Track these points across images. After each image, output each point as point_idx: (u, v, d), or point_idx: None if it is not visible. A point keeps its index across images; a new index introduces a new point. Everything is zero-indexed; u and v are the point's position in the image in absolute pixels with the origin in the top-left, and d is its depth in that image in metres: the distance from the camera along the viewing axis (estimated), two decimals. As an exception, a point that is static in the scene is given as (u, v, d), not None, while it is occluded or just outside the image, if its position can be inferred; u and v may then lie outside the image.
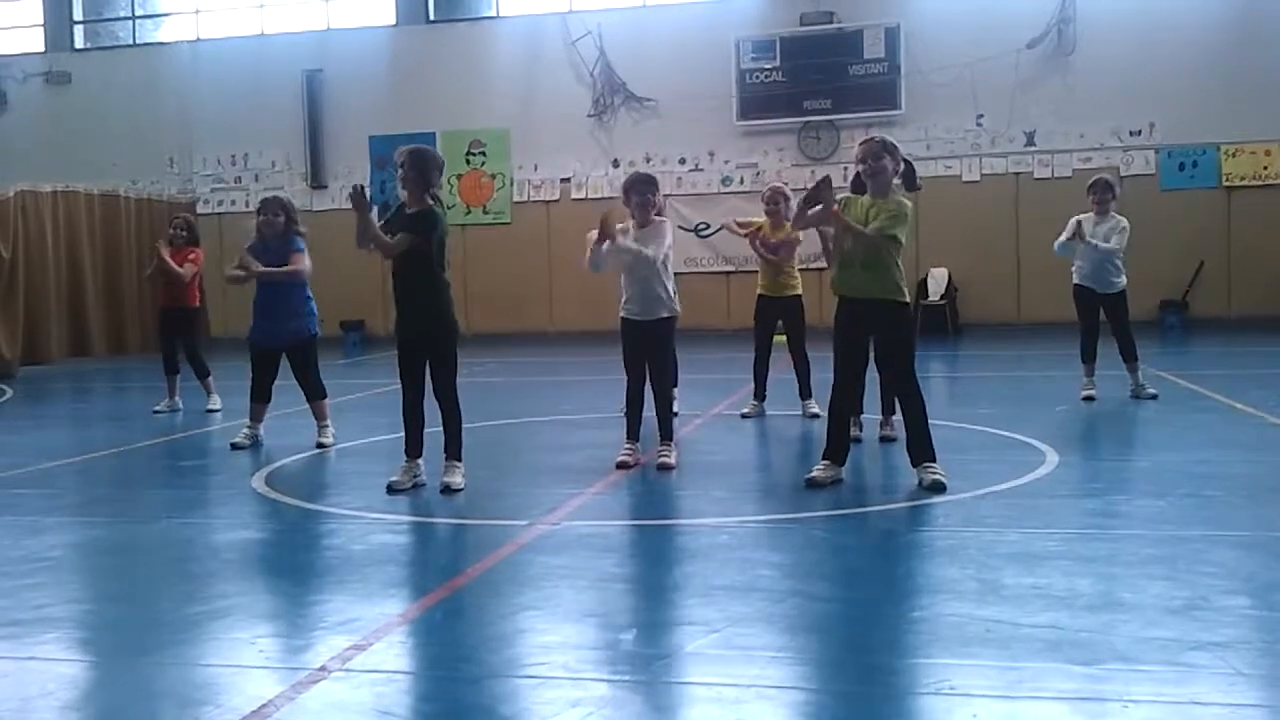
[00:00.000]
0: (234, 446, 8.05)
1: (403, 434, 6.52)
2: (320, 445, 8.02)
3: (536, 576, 4.67)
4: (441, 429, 6.46)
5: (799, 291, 8.87)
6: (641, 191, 6.87)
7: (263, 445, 8.13)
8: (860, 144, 6.19)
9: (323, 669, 3.58)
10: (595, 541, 5.29)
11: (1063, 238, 9.20)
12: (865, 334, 6.16)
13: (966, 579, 4.39)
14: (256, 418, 8.22)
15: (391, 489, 6.31)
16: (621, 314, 7.04)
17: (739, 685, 3.38)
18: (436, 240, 6.33)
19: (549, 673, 3.52)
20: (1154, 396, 9.15)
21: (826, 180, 6.01)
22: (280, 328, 8.10)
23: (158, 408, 10.43)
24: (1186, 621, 3.79)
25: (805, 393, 8.79)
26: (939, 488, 5.87)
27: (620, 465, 6.84)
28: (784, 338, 8.90)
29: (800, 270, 9.05)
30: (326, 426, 8.15)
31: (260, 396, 8.22)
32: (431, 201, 6.36)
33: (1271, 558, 4.64)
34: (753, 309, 9.01)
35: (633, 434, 7.04)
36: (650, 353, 7.00)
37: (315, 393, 8.17)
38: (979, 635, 3.73)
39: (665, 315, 6.98)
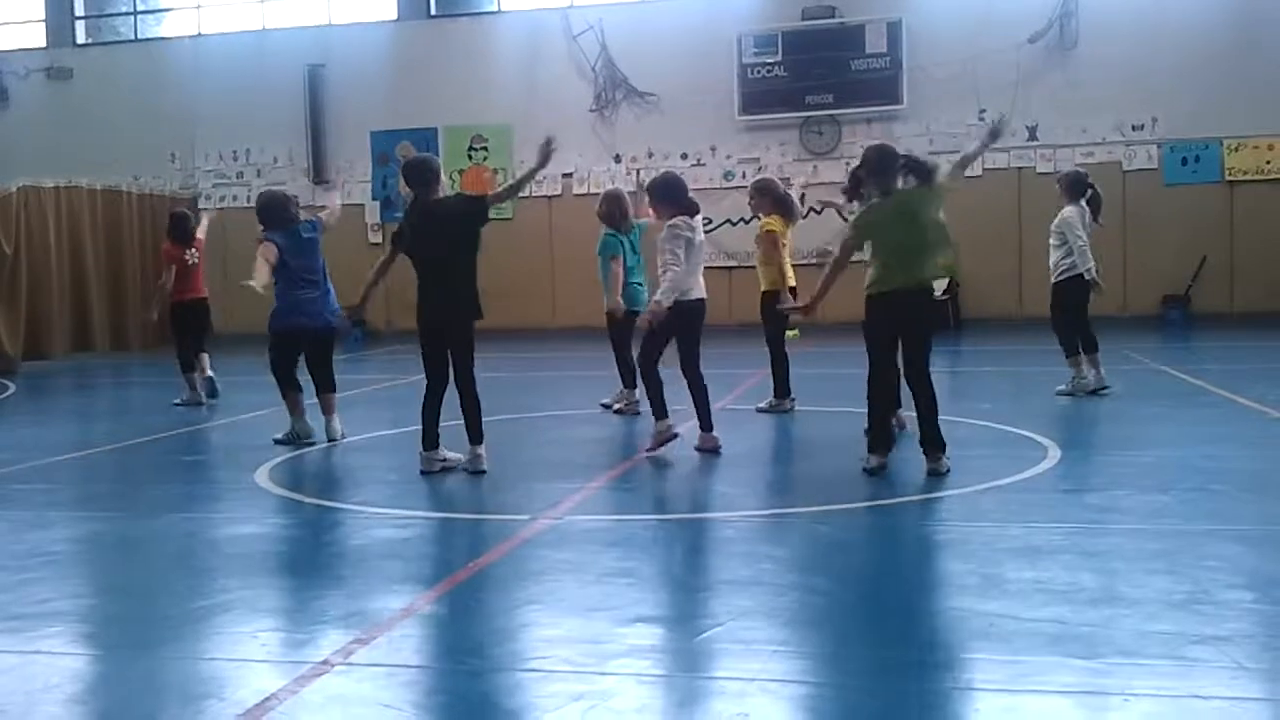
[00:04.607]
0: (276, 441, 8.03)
1: (414, 428, 6.57)
2: (279, 439, 8.00)
3: (539, 571, 4.68)
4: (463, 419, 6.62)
5: (764, 287, 8.71)
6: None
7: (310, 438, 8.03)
8: None
9: (325, 663, 3.58)
10: (598, 536, 5.30)
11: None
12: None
13: (969, 573, 4.39)
14: (293, 410, 8.13)
15: (471, 468, 6.56)
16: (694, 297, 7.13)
17: (742, 678, 3.39)
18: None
19: (552, 666, 3.52)
20: (1061, 393, 9.23)
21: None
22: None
23: (179, 400, 10.46)
24: (1188, 616, 3.80)
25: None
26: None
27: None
28: (793, 332, 8.89)
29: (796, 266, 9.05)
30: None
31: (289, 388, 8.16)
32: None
33: (1273, 552, 4.65)
34: (755, 304, 9.01)
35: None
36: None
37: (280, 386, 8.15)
38: (981, 629, 3.73)
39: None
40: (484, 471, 6.56)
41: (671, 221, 7.02)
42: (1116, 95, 17.36)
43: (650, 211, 7.69)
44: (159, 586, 4.70)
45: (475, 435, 6.66)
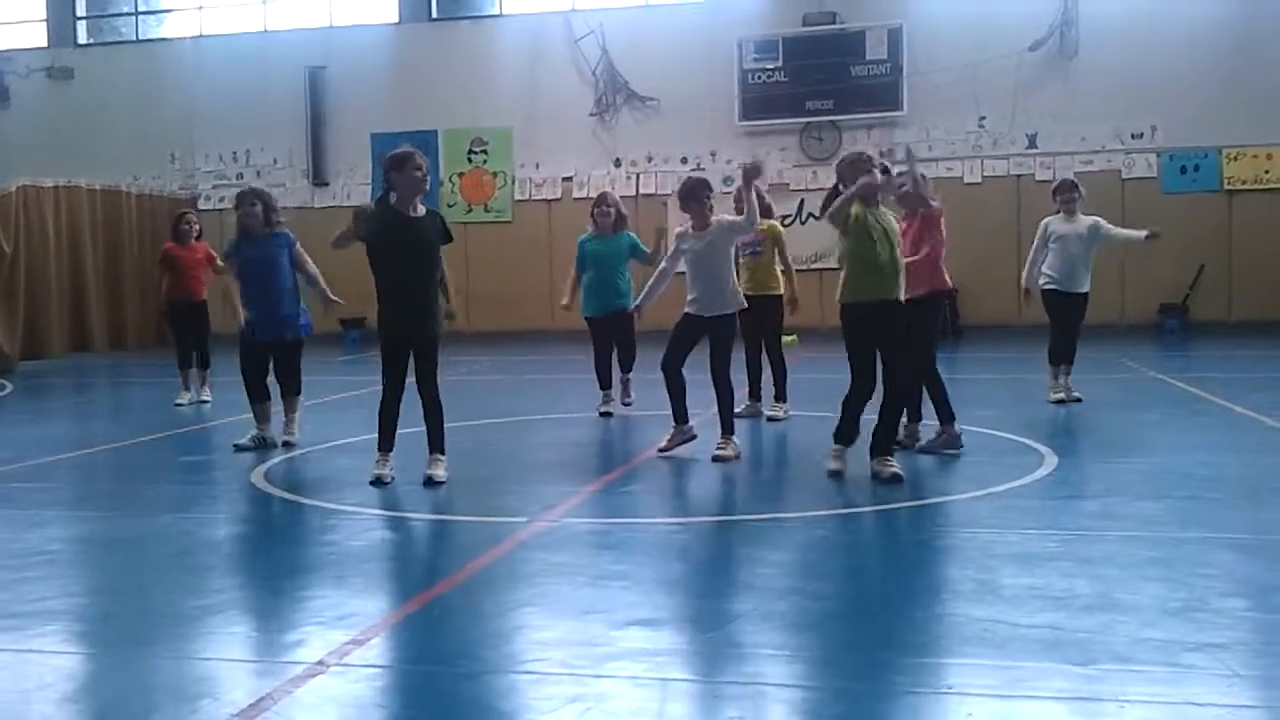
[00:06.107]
0: (238, 448, 7.80)
1: (412, 429, 6.55)
2: (286, 443, 7.92)
3: (535, 573, 4.68)
4: (424, 427, 6.55)
5: (754, 291, 8.52)
6: (700, 197, 7.17)
7: (275, 445, 7.92)
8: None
9: (320, 663, 3.58)
10: (594, 539, 5.30)
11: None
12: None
13: (965, 579, 4.40)
14: (264, 418, 7.99)
15: (380, 481, 6.41)
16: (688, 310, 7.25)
17: (738, 682, 3.39)
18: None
19: (547, 669, 3.52)
20: (1079, 400, 9.23)
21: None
22: (280, 321, 7.96)
23: (180, 401, 10.45)
24: (1183, 623, 3.80)
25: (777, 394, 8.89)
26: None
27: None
28: (791, 338, 8.92)
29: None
30: (293, 422, 8.07)
31: (261, 395, 8.04)
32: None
33: (1269, 560, 4.65)
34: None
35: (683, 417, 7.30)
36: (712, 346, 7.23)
37: (294, 389, 8.11)
38: (977, 635, 3.73)
39: (734, 310, 7.26)
40: (443, 482, 6.41)
41: (730, 220, 7.21)
42: (1116, 104, 17.40)
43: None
44: (155, 586, 4.70)
45: (438, 444, 6.58)
